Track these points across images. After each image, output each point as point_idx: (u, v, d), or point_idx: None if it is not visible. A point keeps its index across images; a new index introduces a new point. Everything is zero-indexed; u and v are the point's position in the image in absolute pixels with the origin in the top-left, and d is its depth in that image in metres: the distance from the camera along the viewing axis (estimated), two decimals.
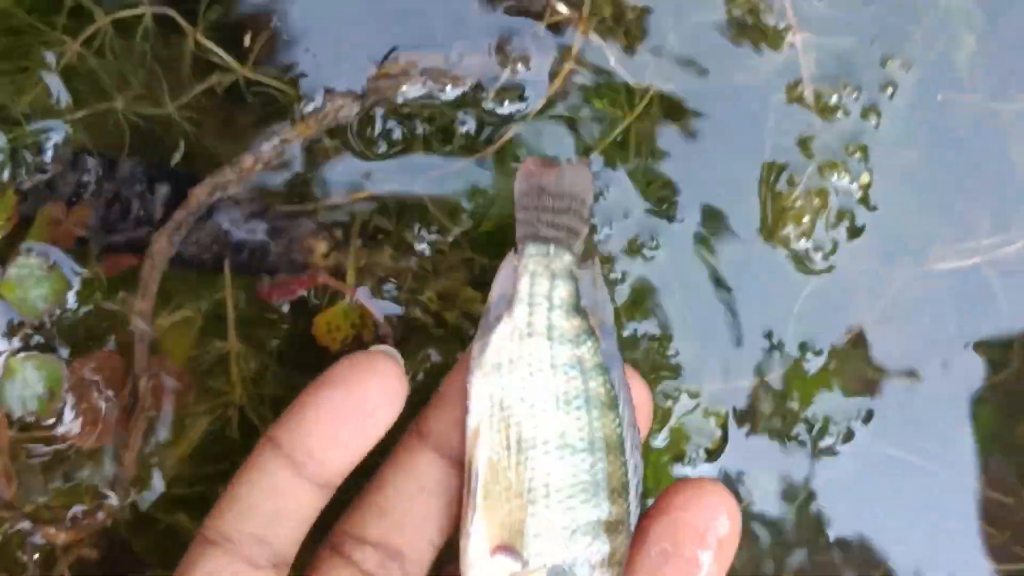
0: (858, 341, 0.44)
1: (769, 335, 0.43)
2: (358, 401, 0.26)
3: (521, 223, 0.30)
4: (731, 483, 0.43)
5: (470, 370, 0.28)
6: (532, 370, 0.28)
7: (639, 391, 0.30)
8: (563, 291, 0.29)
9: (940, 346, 0.44)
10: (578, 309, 0.29)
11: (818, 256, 0.43)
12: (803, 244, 0.42)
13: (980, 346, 0.44)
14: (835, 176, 0.42)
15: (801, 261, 0.43)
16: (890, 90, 0.43)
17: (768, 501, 0.44)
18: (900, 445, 0.44)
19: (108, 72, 0.41)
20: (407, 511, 0.28)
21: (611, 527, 0.27)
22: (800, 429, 0.44)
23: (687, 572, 0.27)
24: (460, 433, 0.28)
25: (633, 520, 0.28)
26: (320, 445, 0.26)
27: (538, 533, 0.27)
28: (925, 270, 0.44)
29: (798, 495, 0.44)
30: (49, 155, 0.41)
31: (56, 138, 0.41)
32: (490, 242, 0.42)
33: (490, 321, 0.29)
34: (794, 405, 0.43)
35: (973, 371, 0.45)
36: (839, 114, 0.42)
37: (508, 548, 0.26)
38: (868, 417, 0.44)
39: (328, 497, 0.28)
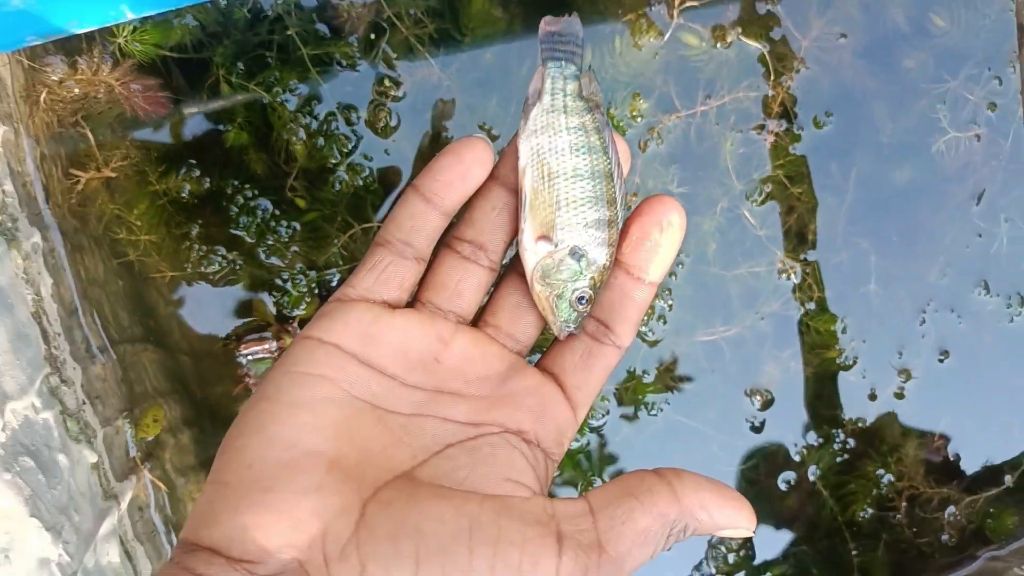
0: (668, 369, 1.03)
1: (632, 370, 1.02)
2: (463, 162, 0.38)
3: (543, 51, 0.42)
4: (607, 440, 1.02)
5: (519, 136, 0.40)
6: (555, 132, 0.40)
7: (622, 145, 0.41)
8: (572, 85, 0.41)
9: (704, 370, 1.04)
10: (582, 96, 0.41)
11: (648, 332, 1.02)
12: (642, 327, 1.02)
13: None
14: (659, 302, 1.02)
15: (641, 336, 1.02)
16: (680, 267, 1.03)
17: (616, 444, 1.03)
18: (689, 417, 1.04)
19: (359, 248, 0.96)
20: (487, 221, 0.40)
21: (608, 223, 0.39)
22: (641, 408, 1.03)
23: (653, 248, 0.39)
24: (515, 173, 0.40)
25: (620, 221, 0.40)
26: (441, 188, 0.38)
27: (563, 227, 0.39)
28: (693, 340, 1.04)
29: (634, 440, 1.03)
30: (333, 284, 0.96)
31: (336, 278, 0.96)
32: None
33: (529, 106, 0.41)
34: (638, 396, 1.03)
35: (716, 385, 1.05)
36: None
37: (546, 237, 0.39)
38: (668, 402, 1.03)
39: (447, 221, 0.40)
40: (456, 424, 0.38)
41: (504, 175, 0.40)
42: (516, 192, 0.40)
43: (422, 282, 0.40)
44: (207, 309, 0.97)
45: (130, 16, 0.54)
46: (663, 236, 0.39)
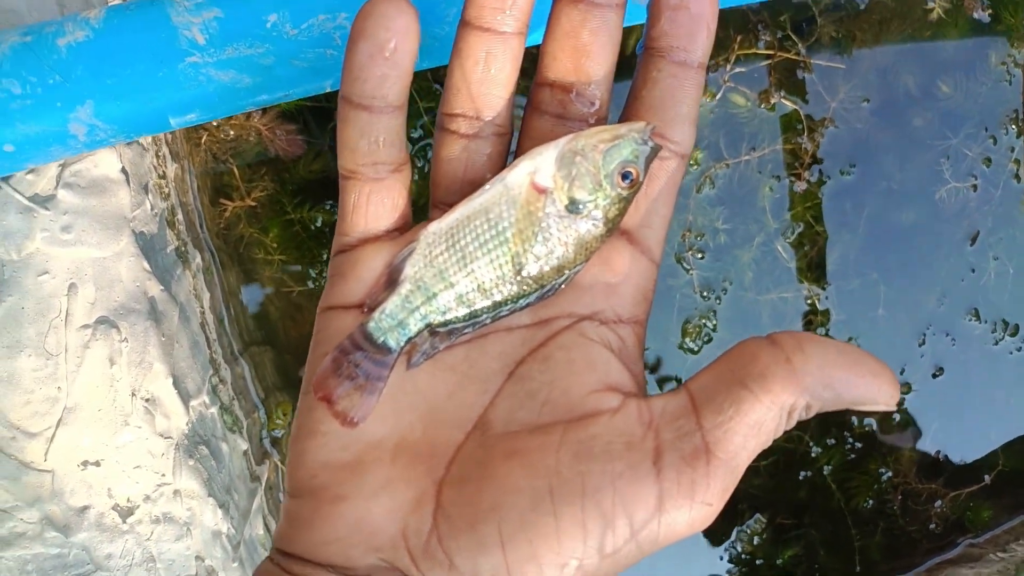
0: None
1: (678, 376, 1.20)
2: (381, 46, 0.30)
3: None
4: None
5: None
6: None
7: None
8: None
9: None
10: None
11: (694, 346, 1.20)
12: (693, 345, 1.20)
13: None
14: (706, 322, 1.20)
15: (688, 350, 1.20)
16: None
17: None
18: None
19: None
20: (477, 81, 0.34)
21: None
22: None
23: (695, 20, 0.31)
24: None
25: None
26: (372, 87, 0.32)
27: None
28: None
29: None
30: None
31: None
32: None
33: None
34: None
35: None
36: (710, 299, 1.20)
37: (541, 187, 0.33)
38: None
39: (403, 114, 0.33)
40: (522, 331, 0.33)
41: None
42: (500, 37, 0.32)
43: (432, 183, 0.35)
44: (307, 314, 1.13)
45: (329, 89, 0.63)
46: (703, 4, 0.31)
